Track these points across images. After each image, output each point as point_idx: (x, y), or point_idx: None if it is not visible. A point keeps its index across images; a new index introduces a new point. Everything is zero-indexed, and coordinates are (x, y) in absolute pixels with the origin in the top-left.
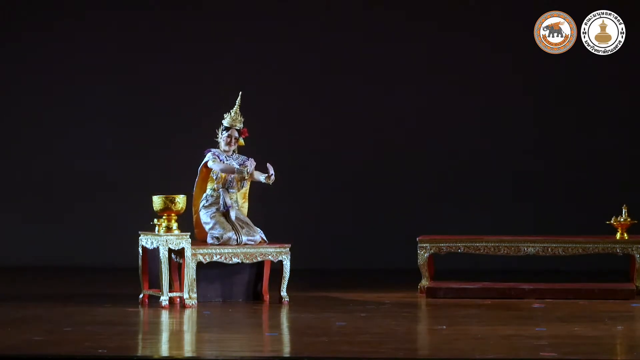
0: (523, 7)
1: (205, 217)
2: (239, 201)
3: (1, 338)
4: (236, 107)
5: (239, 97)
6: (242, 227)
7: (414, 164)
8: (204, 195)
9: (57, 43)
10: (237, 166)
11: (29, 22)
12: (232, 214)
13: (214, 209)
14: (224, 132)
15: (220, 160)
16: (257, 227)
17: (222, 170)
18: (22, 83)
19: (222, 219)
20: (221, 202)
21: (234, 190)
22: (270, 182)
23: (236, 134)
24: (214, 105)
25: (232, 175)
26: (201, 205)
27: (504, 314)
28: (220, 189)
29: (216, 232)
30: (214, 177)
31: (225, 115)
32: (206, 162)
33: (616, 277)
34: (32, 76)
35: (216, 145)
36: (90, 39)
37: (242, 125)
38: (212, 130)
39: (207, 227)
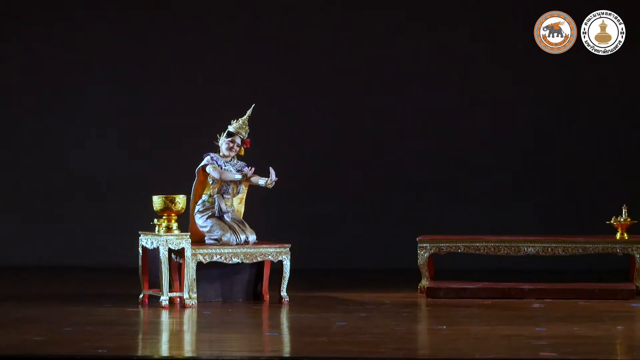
0: (523, 7)
1: (201, 221)
2: (235, 205)
3: (1, 338)
4: (245, 117)
5: (251, 109)
6: (239, 227)
7: (414, 164)
8: (200, 200)
9: (58, 41)
10: (235, 174)
11: (29, 20)
12: (227, 218)
13: (209, 212)
14: (227, 137)
15: (219, 166)
16: (255, 227)
17: (221, 178)
18: (21, 82)
19: (219, 221)
20: (216, 207)
21: (229, 196)
22: (270, 186)
23: (239, 142)
24: (214, 105)
25: (229, 181)
26: (196, 209)
27: (504, 314)
28: (216, 195)
29: (215, 235)
30: (210, 183)
31: (232, 122)
32: (204, 165)
33: (616, 277)
34: (32, 75)
35: (215, 148)
36: (92, 37)
37: (246, 135)
38: (212, 129)
39: (204, 231)
